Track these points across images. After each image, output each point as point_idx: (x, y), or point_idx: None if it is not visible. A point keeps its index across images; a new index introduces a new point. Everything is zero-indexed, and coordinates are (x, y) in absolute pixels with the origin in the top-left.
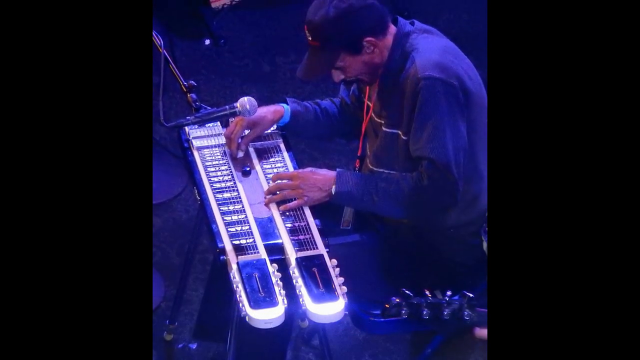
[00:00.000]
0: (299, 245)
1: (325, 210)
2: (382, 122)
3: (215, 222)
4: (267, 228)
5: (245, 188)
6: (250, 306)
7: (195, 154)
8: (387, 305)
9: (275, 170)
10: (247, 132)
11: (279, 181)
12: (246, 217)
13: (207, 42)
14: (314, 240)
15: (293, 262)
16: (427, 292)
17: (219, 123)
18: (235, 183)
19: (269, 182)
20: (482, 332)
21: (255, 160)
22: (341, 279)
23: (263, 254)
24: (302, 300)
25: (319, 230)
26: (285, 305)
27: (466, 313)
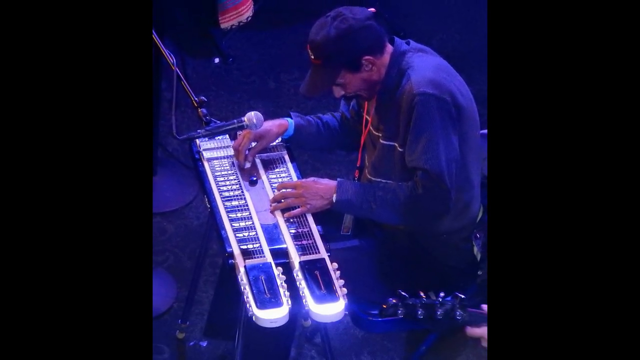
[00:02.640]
0: (302, 249)
1: (327, 217)
2: (380, 134)
3: (224, 228)
4: (272, 234)
5: (252, 196)
6: (257, 307)
7: (206, 164)
8: (384, 306)
9: (280, 179)
10: (253, 144)
11: (283, 190)
12: (253, 223)
13: (217, 60)
14: (316, 245)
15: (297, 266)
16: (422, 294)
17: (227, 136)
18: (242, 192)
19: (274, 191)
20: (473, 331)
21: (261, 171)
22: (341, 281)
23: (269, 258)
24: (305, 301)
25: (321, 236)
26: (290, 306)
27: (458, 313)
